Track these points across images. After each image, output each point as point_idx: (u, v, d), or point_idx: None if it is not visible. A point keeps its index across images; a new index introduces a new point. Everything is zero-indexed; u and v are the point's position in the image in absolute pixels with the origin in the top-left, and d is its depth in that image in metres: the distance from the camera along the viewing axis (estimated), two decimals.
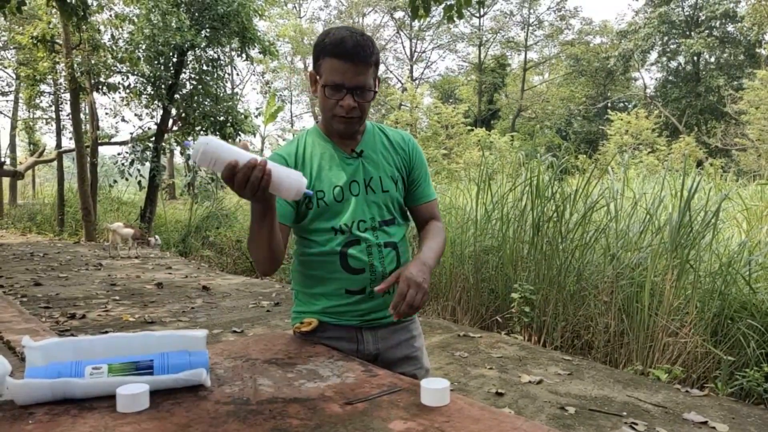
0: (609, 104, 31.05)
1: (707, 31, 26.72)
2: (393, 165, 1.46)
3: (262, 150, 22.07)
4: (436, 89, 34.25)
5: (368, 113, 1.41)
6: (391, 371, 1.22)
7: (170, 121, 12.74)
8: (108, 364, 0.99)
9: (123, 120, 15.90)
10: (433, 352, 3.79)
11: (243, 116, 12.46)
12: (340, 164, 1.41)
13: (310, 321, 1.43)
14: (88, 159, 12.15)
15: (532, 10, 32.70)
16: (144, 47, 11.24)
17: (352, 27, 1.37)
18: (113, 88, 11.86)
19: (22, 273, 6.91)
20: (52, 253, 9.16)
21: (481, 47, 33.26)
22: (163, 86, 11.82)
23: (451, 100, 31.40)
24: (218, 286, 6.41)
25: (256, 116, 15.61)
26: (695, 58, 27.99)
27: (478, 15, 32.34)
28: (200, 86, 12.32)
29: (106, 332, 3.80)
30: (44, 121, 18.28)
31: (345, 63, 1.30)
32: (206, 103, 12.20)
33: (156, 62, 11.58)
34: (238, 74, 34.37)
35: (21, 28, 13.41)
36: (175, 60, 11.94)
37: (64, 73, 11.93)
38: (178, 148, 13.42)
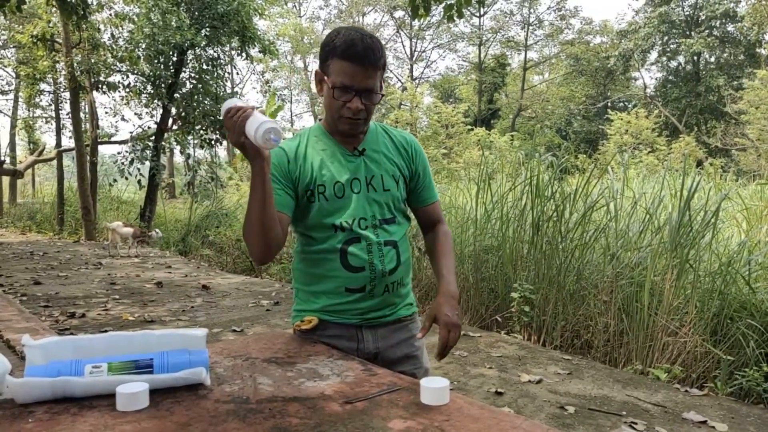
0: (609, 104, 31.03)
1: (707, 31, 26.70)
2: (395, 165, 1.46)
3: None
4: (436, 89, 34.24)
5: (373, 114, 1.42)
6: (391, 370, 1.22)
7: (170, 120, 12.74)
8: (108, 362, 0.99)
9: (123, 119, 15.95)
10: (433, 351, 3.78)
11: None
12: (342, 161, 1.42)
13: (311, 319, 1.43)
14: (88, 158, 12.14)
15: (532, 10, 32.70)
16: (144, 46, 11.23)
17: (360, 28, 1.37)
18: (113, 87, 11.86)
19: (21, 272, 6.91)
20: (51, 252, 9.16)
21: (481, 47, 33.25)
22: (162, 85, 11.81)
23: (451, 100, 31.42)
24: (218, 285, 6.41)
25: None
26: (695, 57, 27.98)
27: (478, 14, 32.33)
28: (200, 85, 12.31)
29: (106, 331, 3.81)
30: (44, 120, 18.27)
31: (355, 66, 1.30)
32: (206, 102, 12.18)
33: (156, 61, 11.58)
34: (238, 73, 34.46)
35: (21, 26, 13.41)
36: (175, 59, 11.93)
37: (63, 72, 11.93)
38: (178, 147, 13.41)
